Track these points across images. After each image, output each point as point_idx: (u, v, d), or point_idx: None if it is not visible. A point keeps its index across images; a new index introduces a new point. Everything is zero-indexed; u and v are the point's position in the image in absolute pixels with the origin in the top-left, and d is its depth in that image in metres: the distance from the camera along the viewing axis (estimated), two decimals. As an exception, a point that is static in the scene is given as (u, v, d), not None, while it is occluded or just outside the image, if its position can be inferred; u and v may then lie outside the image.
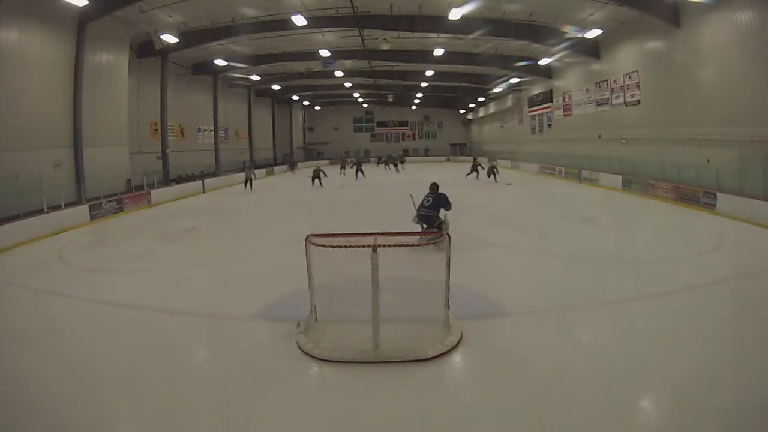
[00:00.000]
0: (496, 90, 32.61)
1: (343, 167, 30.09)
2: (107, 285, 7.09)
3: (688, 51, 14.54)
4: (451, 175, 24.28)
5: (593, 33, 17.68)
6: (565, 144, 24.88)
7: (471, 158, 33.36)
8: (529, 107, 30.13)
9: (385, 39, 20.24)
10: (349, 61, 26.88)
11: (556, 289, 6.34)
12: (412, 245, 4.57)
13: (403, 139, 50.37)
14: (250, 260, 8.46)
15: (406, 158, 40.53)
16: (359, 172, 25.36)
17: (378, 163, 37.76)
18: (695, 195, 13.28)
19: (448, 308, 4.95)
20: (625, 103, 18.81)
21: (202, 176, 22.94)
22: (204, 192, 21.39)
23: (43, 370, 4.34)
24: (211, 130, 28.05)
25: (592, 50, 20.01)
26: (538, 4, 16.57)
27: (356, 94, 41.15)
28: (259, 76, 29.57)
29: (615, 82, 19.41)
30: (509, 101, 32.81)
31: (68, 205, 13.35)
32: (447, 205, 8.35)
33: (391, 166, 32.78)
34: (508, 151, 33.05)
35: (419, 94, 40.15)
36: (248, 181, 21.58)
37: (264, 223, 13.04)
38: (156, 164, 21.13)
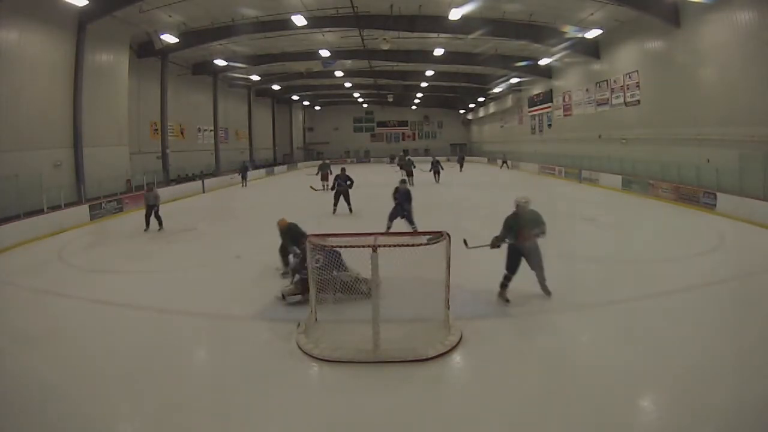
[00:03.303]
0: (496, 90, 32.63)
1: (325, 179, 19.08)
2: (107, 285, 7.09)
3: (688, 51, 14.54)
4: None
5: (593, 33, 17.69)
6: (565, 144, 24.88)
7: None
8: (529, 107, 30.13)
9: (385, 39, 20.24)
10: (349, 61, 26.90)
11: (555, 289, 6.31)
12: (412, 245, 4.56)
13: (403, 139, 50.42)
14: (250, 260, 8.44)
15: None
16: (343, 200, 13.09)
17: (391, 162, 33.41)
18: (695, 195, 13.27)
19: (448, 308, 4.96)
20: (625, 103, 18.81)
21: (202, 176, 22.93)
22: (204, 192, 21.37)
23: (43, 370, 4.34)
24: (211, 130, 28.06)
25: (592, 50, 20.01)
26: (538, 4, 16.58)
27: (356, 94, 41.16)
28: (259, 76, 29.59)
29: (615, 82, 19.41)
30: (509, 101, 32.82)
31: (68, 205, 13.36)
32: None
33: (404, 172, 21.54)
34: (508, 151, 33.04)
35: (419, 94, 40.16)
36: (151, 212, 11.65)
37: (264, 222, 12.96)
38: (156, 164, 21.14)
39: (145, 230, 11.55)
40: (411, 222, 9.62)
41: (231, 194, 21.15)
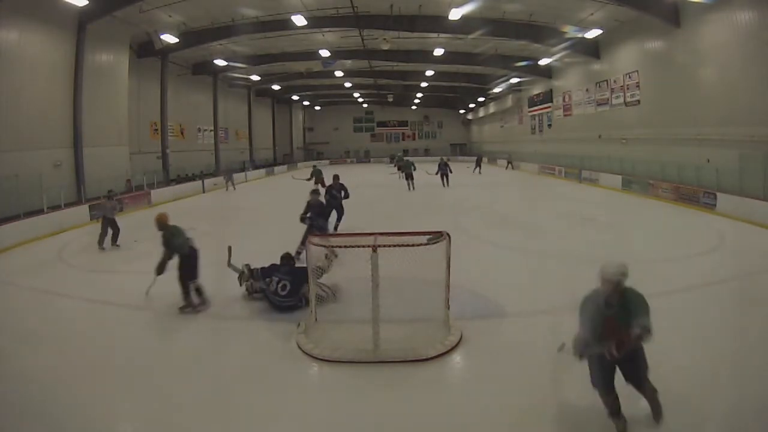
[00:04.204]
0: (496, 90, 32.61)
1: (319, 183, 16.07)
2: (107, 285, 7.09)
3: (688, 51, 14.53)
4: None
5: (593, 33, 17.69)
6: (565, 144, 24.87)
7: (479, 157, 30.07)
8: (529, 107, 30.13)
9: (385, 39, 20.24)
10: (349, 61, 26.89)
11: (556, 288, 6.33)
12: (413, 245, 4.55)
13: (403, 139, 50.45)
14: (249, 260, 8.42)
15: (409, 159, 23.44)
16: (315, 229, 7.79)
17: (391, 162, 27.11)
18: (695, 195, 13.28)
19: (448, 308, 4.95)
20: (625, 103, 18.81)
21: (202, 176, 22.94)
22: (204, 192, 21.37)
23: (43, 370, 4.34)
24: (211, 130, 28.07)
25: (592, 50, 20.01)
26: (538, 4, 16.58)
27: (356, 94, 41.16)
28: (259, 76, 29.59)
29: (615, 82, 19.41)
30: (509, 101, 32.82)
31: (68, 205, 13.36)
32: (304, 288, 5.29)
33: (403, 176, 19.99)
34: (508, 151, 33.06)
35: (419, 94, 40.16)
36: (108, 226, 9.63)
37: (264, 222, 13.03)
38: (156, 164, 21.14)
39: (100, 248, 9.52)
40: None
41: (232, 193, 21.03)
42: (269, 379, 4.16)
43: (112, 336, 5.15)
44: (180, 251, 5.65)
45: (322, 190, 13.09)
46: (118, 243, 9.80)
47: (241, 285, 5.88)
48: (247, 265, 5.93)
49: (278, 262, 5.87)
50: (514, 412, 3.59)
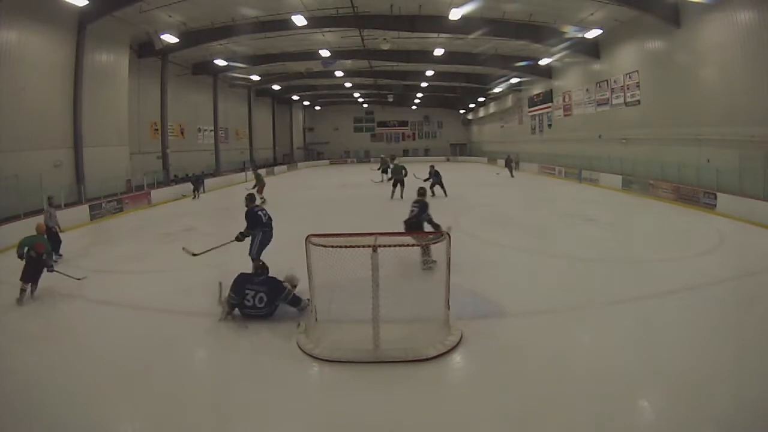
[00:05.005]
0: (496, 90, 32.61)
1: (260, 191, 16.21)
2: (107, 285, 7.09)
3: (688, 51, 14.54)
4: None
5: (593, 33, 17.69)
6: (565, 144, 24.87)
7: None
8: (529, 107, 30.12)
9: (385, 39, 20.25)
10: (349, 61, 26.88)
11: (556, 289, 6.34)
12: (411, 245, 4.55)
13: (403, 139, 50.44)
14: (250, 260, 8.43)
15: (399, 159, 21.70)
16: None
17: (392, 161, 21.87)
18: (695, 195, 13.28)
19: (448, 308, 4.95)
20: (625, 103, 18.81)
21: (203, 176, 22.91)
22: (204, 192, 21.34)
23: (43, 370, 4.35)
24: (211, 130, 28.05)
25: (592, 50, 20.01)
26: (538, 4, 16.58)
27: (356, 94, 41.15)
28: (259, 76, 29.59)
29: (615, 82, 19.41)
30: (509, 101, 32.81)
31: (68, 205, 13.36)
32: (284, 295, 5.36)
33: (385, 177, 17.55)
34: (508, 151, 32.99)
35: (419, 94, 40.15)
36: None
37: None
38: (156, 164, 21.13)
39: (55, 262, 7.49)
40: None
41: (232, 194, 20.90)
42: (269, 379, 4.16)
43: (112, 336, 5.15)
44: (19, 257, 6.37)
45: (258, 197, 11.71)
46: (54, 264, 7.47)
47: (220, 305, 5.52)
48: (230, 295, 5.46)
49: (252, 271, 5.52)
50: (514, 413, 3.59)
